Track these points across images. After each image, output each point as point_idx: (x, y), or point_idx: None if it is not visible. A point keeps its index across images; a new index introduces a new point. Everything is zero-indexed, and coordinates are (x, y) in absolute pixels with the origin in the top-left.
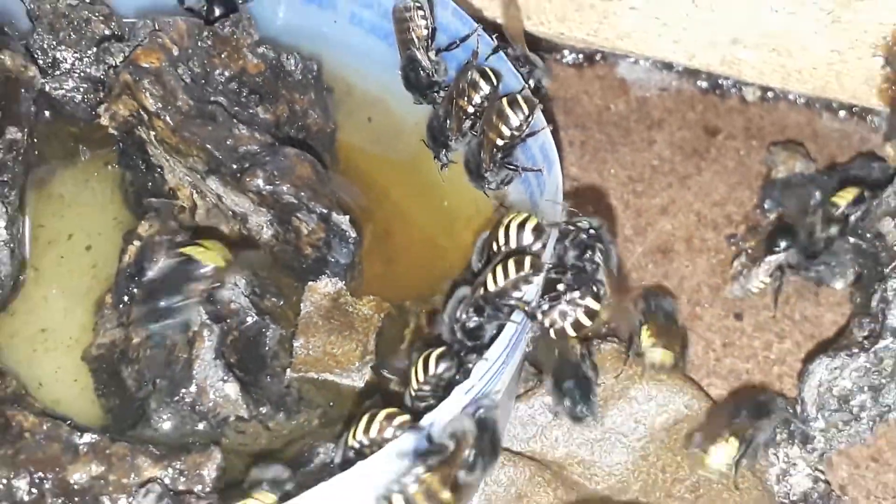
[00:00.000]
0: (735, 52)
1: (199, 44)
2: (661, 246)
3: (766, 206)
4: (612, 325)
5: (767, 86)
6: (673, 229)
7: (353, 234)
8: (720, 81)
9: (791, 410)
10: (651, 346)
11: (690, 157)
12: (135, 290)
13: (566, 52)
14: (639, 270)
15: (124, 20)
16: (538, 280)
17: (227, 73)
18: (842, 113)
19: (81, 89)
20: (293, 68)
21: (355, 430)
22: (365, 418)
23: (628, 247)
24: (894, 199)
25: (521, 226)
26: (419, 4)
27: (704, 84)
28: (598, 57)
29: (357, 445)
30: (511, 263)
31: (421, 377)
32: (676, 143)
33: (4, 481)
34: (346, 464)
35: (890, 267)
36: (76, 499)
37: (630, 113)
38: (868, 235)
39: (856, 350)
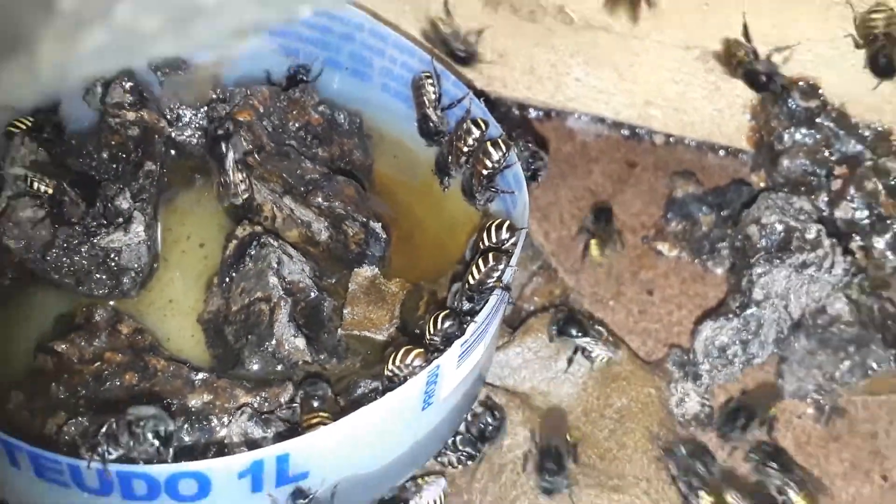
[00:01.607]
0: (648, 111)
1: (278, 104)
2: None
3: (668, 216)
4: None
5: (670, 133)
6: None
7: (384, 236)
8: (637, 130)
9: (686, 357)
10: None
11: (617, 182)
12: (233, 275)
13: (531, 109)
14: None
15: (227, 88)
16: (505, 267)
17: (297, 124)
18: (721, 152)
19: (196, 136)
20: (343, 121)
21: (391, 360)
22: (400, 352)
23: (573, 245)
24: (756, 212)
25: (499, 228)
26: (430, 77)
27: (626, 132)
28: (553, 113)
29: (390, 373)
30: (481, 259)
31: (432, 331)
32: (607, 173)
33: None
34: (386, 389)
35: (753, 259)
36: (193, 418)
37: (575, 152)
38: (739, 237)
39: (731, 316)
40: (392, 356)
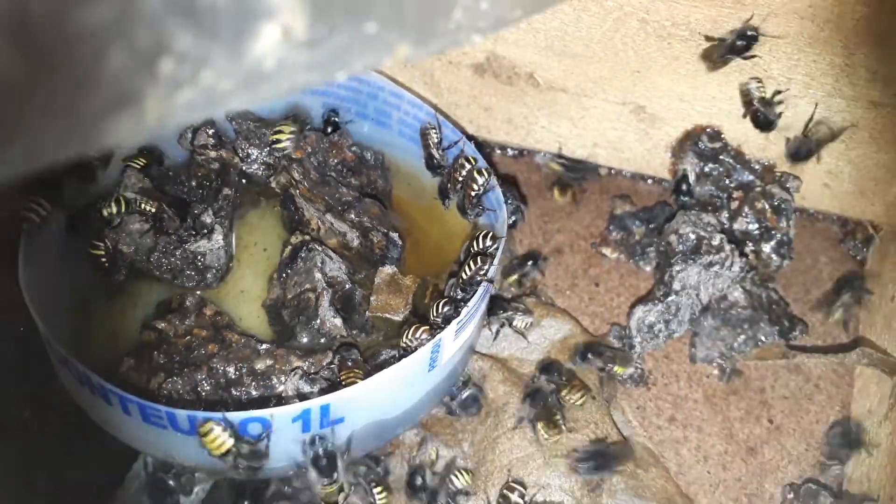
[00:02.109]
0: (595, 150)
1: (322, 145)
2: (557, 248)
3: (610, 228)
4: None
5: (612, 166)
6: (563, 240)
7: (400, 243)
8: (587, 164)
9: (623, 332)
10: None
11: (572, 203)
12: (288, 271)
13: (508, 149)
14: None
15: None
16: (489, 267)
17: (335, 160)
18: (650, 181)
19: (262, 169)
20: (370, 158)
21: (405, 335)
22: (412, 329)
23: (539, 244)
24: (675, 225)
25: (485, 237)
26: (433, 127)
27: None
28: (525, 152)
29: (404, 345)
30: (471, 261)
31: (434, 314)
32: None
33: (222, 368)
34: (401, 357)
35: (673, 259)
36: (259, 377)
37: (540, 182)
38: (663, 243)
39: (657, 302)
40: (406, 332)
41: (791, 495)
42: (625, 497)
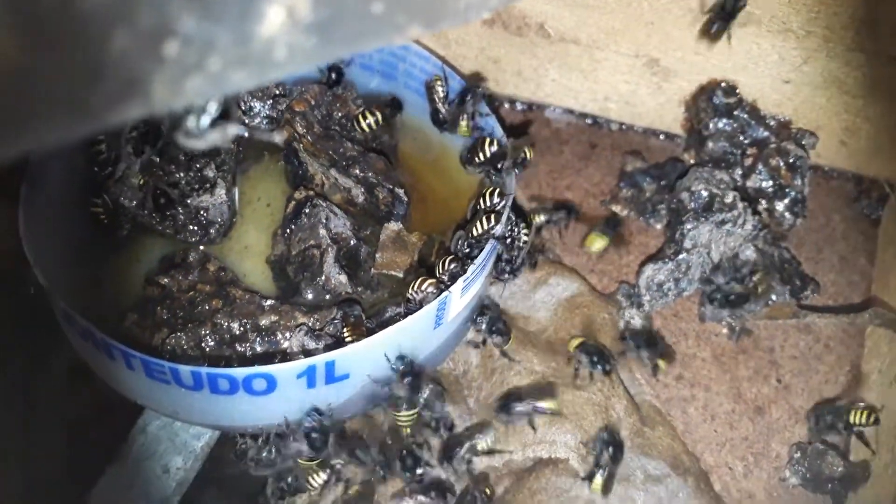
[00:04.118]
0: (606, 104)
1: (325, 98)
2: (566, 206)
3: (621, 185)
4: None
5: (623, 122)
6: (572, 197)
7: (406, 199)
8: (598, 119)
9: (632, 291)
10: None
11: (582, 159)
12: (292, 227)
13: (518, 103)
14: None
15: (287, 85)
16: (497, 225)
17: (340, 114)
18: (662, 136)
19: (264, 122)
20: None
21: (410, 287)
22: (417, 281)
23: (547, 200)
24: (687, 182)
25: (492, 194)
26: (440, 80)
27: (590, 121)
28: (534, 106)
29: (410, 297)
30: (481, 219)
31: (441, 270)
32: (575, 153)
33: (226, 324)
34: (406, 313)
35: (684, 217)
36: (263, 333)
37: (551, 137)
38: (674, 201)
39: (667, 260)
40: (412, 284)
41: (798, 454)
42: (631, 455)
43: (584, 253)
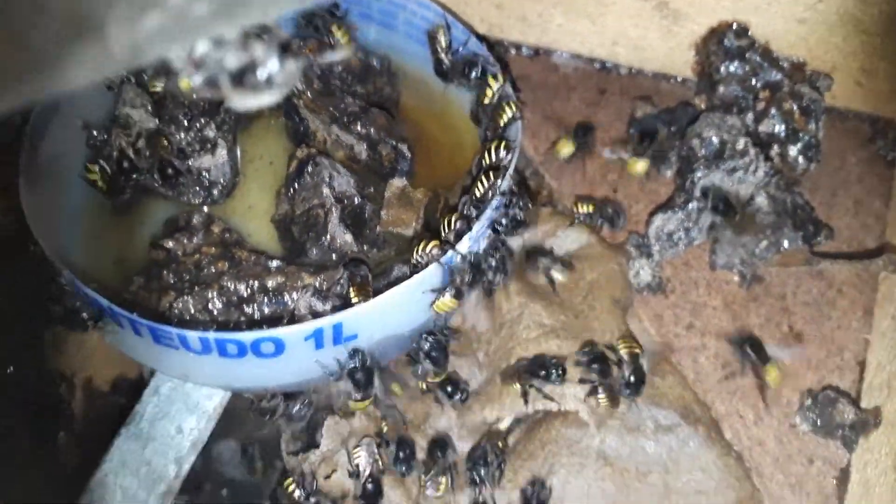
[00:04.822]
0: (615, 49)
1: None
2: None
3: (631, 130)
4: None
5: (633, 66)
6: None
7: (409, 155)
8: (607, 64)
9: (642, 241)
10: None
11: (590, 105)
12: (296, 186)
13: (523, 48)
14: (561, 166)
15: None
16: (502, 181)
17: (340, 67)
18: (672, 80)
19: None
20: (376, 64)
21: (416, 250)
22: (422, 243)
23: (556, 155)
24: (699, 129)
25: (497, 148)
26: (442, 27)
27: (598, 66)
28: (541, 51)
29: (415, 261)
30: (484, 176)
31: (447, 229)
32: (583, 98)
33: (233, 286)
34: (412, 272)
35: (695, 164)
36: (270, 294)
37: (558, 83)
38: (685, 147)
39: (676, 209)
40: (416, 247)
41: (809, 401)
42: (641, 405)
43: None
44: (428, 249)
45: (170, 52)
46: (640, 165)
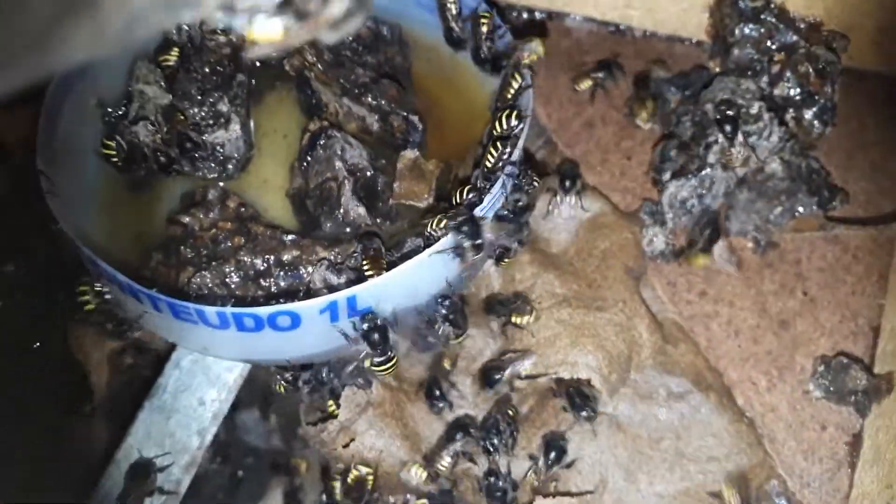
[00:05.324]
0: (628, 11)
1: None
2: (588, 121)
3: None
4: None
5: (646, 29)
6: (594, 112)
7: (421, 126)
8: (620, 27)
9: (655, 208)
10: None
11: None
12: (309, 159)
13: (536, 12)
14: (576, 133)
15: None
16: (513, 151)
17: (350, 37)
18: (686, 43)
19: (275, 52)
20: (386, 33)
21: (429, 225)
22: (435, 219)
23: (569, 117)
24: (713, 94)
25: (509, 116)
26: None
27: (612, 29)
28: (553, 15)
29: (429, 234)
30: (493, 146)
31: (458, 200)
32: (597, 62)
33: (250, 260)
34: (426, 245)
35: (708, 131)
36: (286, 268)
37: (571, 46)
38: (699, 112)
39: (690, 176)
40: (430, 222)
41: (822, 367)
42: (653, 373)
43: (607, 170)
44: (441, 225)
45: (164, 25)
46: (701, 260)
